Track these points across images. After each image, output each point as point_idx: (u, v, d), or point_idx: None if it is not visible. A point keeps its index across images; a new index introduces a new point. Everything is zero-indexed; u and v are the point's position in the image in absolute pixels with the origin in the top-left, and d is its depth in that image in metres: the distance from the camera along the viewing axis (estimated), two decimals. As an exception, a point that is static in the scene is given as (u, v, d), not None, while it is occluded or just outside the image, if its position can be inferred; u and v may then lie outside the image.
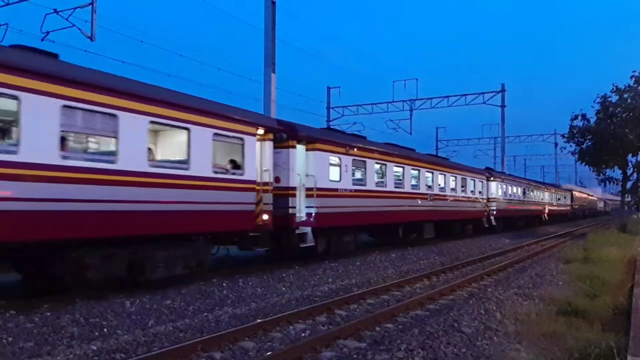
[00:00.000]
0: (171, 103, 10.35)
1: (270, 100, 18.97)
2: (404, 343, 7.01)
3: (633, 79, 30.37)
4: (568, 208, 59.90)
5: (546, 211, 47.51)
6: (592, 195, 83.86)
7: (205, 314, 8.93)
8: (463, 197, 27.14)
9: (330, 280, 12.75)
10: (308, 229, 14.54)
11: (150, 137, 10.26)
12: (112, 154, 9.29)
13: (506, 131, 44.68)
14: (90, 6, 15.23)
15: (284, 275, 12.78)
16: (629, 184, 34.58)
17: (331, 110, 39.05)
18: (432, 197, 22.73)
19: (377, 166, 18.31)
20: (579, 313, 8.99)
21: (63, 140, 8.58)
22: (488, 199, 30.86)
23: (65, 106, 8.36)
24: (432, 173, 23.11)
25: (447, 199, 24.79)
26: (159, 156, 11.09)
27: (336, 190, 15.76)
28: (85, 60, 9.72)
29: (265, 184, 12.84)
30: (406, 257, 17.87)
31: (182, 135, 10.75)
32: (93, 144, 9.75)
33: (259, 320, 8.42)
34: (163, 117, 10.16)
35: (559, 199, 54.84)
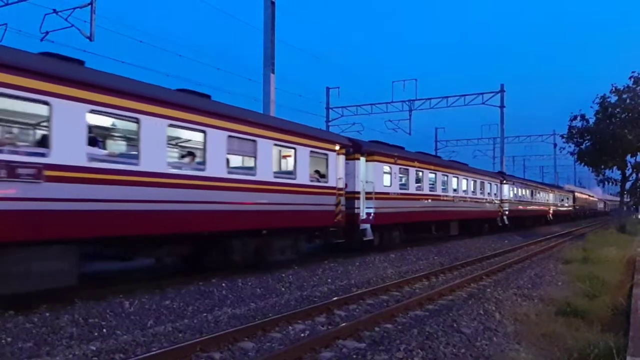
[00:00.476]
0: (286, 130, 13.84)
1: (269, 101, 18.97)
2: (403, 343, 7.01)
3: (632, 79, 30.41)
4: (570, 209, 62.21)
5: (551, 212, 49.23)
6: (592, 196, 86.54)
7: (205, 314, 8.93)
8: (481, 199, 30.13)
9: (329, 280, 12.75)
10: (368, 226, 17.51)
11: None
12: (252, 168, 12.66)
13: (505, 131, 44.59)
14: (90, 6, 15.22)
15: (283, 275, 12.78)
16: (627, 185, 34.61)
17: (330, 110, 39.05)
18: (457, 199, 25.84)
19: (416, 173, 21.16)
20: (578, 313, 8.97)
21: (227, 160, 11.94)
22: (501, 201, 33.63)
23: (229, 136, 11.73)
24: (457, 178, 26.18)
25: (468, 201, 27.69)
26: (277, 169, 14.39)
27: (388, 194, 18.84)
28: (84, 60, 9.70)
29: (340, 189, 16.03)
30: (405, 258, 17.87)
31: (291, 153, 14.30)
32: (242, 162, 13.31)
33: (258, 321, 8.42)
34: (281, 141, 13.59)
35: (562, 200, 57.11)
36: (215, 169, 11.31)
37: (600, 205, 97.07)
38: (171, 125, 10.43)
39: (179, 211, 10.41)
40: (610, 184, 35.61)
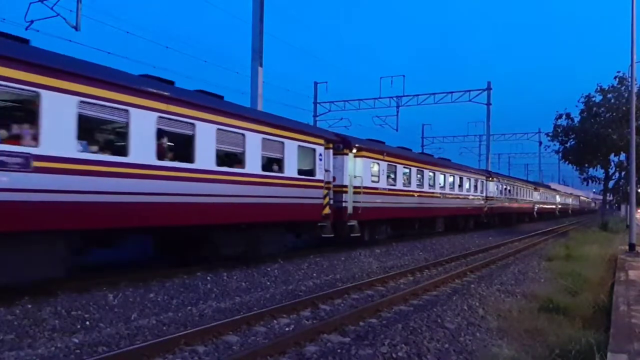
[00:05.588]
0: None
1: (257, 95, 18.90)
2: (387, 338, 7.04)
3: (617, 79, 30.76)
4: (578, 207, 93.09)
5: (570, 209, 79.10)
6: (588, 198, 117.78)
7: (189, 307, 8.89)
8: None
9: (314, 275, 12.76)
10: None
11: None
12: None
13: (491, 129, 44.93)
14: (76, -5, 15.03)
15: (268, 269, 12.77)
16: (610, 183, 35.06)
17: (318, 105, 39.03)
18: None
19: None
20: (561, 310, 9.05)
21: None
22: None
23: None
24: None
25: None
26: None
27: None
28: (70, 50, 9.58)
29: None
30: (390, 253, 17.94)
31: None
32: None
33: (242, 315, 8.40)
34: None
35: (575, 202, 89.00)
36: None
37: (592, 205, 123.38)
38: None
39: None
40: (594, 182, 36.04)
